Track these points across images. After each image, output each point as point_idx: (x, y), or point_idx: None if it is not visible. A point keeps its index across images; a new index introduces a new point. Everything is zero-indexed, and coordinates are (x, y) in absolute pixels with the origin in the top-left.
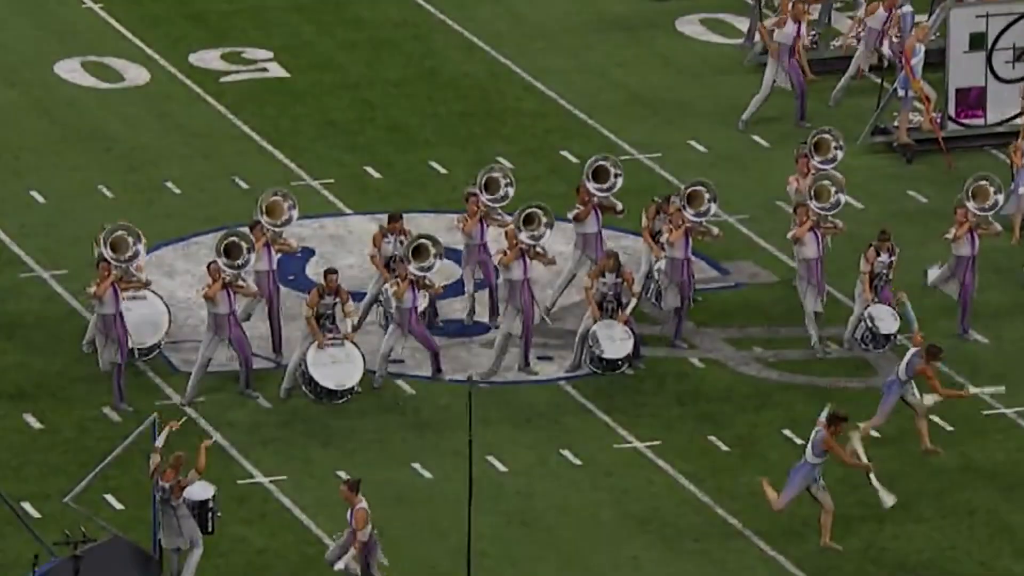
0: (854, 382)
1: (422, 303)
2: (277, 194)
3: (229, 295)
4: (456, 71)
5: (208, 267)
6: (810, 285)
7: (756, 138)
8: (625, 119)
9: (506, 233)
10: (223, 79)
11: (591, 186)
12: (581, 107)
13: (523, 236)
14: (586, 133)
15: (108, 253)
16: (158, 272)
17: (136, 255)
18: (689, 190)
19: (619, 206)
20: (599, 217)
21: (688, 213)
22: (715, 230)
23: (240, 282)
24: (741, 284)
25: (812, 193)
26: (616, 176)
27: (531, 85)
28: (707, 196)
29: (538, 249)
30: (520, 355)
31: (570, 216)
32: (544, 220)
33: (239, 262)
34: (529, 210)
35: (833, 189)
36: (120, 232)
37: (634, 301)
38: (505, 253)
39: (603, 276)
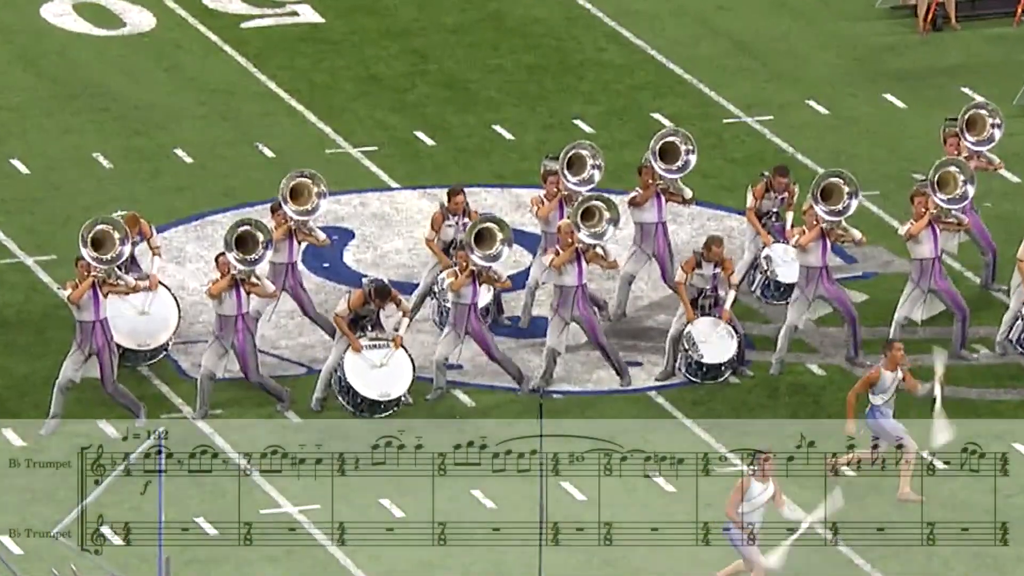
0: (1009, 393)
1: (484, 299)
2: (304, 175)
3: (239, 294)
4: (525, 15)
5: (216, 260)
6: (918, 289)
7: (889, 97)
8: (728, 73)
9: (559, 230)
10: (245, 24)
11: (657, 166)
12: (675, 59)
13: (582, 235)
14: (681, 90)
15: (88, 251)
16: (165, 257)
17: (120, 256)
18: (824, 183)
19: (688, 193)
20: (662, 204)
21: (821, 210)
22: (858, 234)
23: (254, 280)
24: (870, 274)
25: (935, 182)
26: (688, 153)
27: (615, 32)
28: (846, 191)
29: (598, 251)
30: (613, 367)
31: (626, 200)
32: (607, 215)
33: (252, 257)
34: (589, 204)
35: (961, 178)
36: (104, 226)
37: (732, 294)
38: (557, 253)
39: (699, 267)
